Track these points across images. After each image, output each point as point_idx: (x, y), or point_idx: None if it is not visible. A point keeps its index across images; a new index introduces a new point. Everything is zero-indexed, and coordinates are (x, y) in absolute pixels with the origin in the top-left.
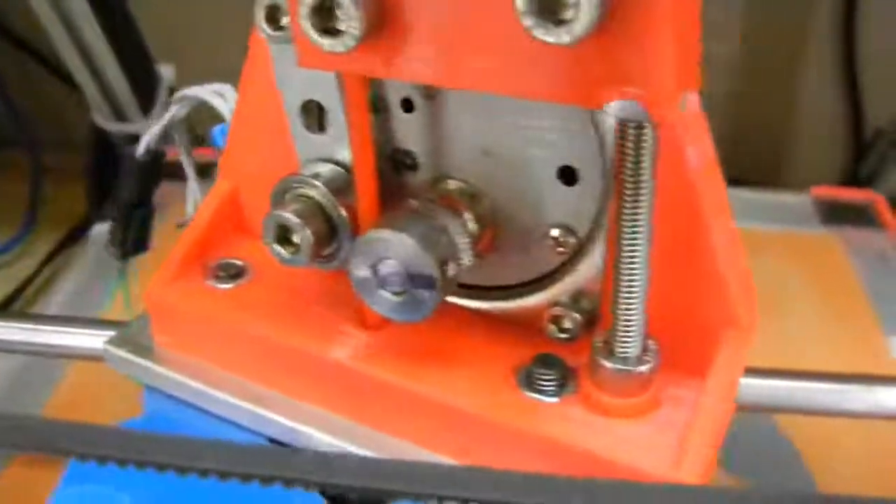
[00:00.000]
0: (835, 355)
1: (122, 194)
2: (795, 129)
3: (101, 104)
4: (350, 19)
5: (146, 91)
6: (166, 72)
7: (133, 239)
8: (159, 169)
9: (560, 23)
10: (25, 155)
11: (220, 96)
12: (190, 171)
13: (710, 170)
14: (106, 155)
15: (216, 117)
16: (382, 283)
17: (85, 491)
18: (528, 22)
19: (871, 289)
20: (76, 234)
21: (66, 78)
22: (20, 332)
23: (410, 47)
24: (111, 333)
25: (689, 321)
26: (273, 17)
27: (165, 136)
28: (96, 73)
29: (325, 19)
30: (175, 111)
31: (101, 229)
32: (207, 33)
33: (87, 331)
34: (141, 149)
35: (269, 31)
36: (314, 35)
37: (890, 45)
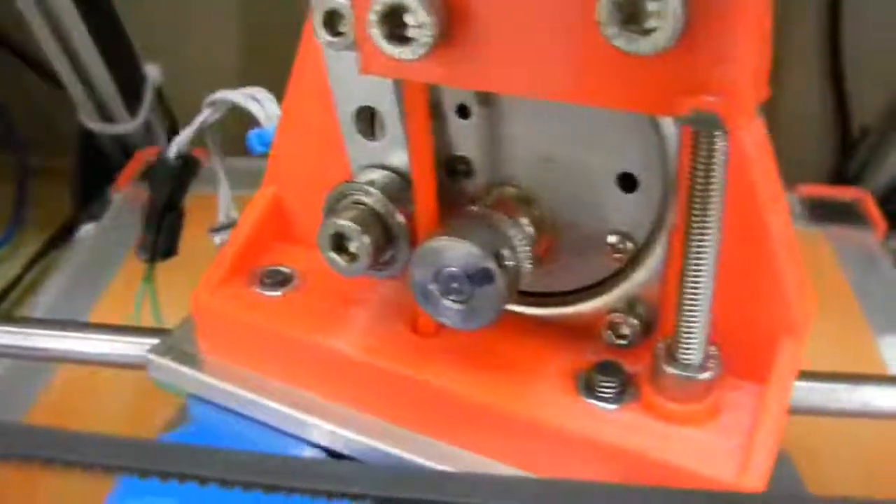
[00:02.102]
0: (822, 354)
1: (153, 198)
2: (782, 128)
3: (88, 104)
4: (422, 27)
5: (132, 91)
6: (152, 71)
7: (163, 243)
8: (190, 173)
9: (643, 32)
10: (11, 156)
11: (255, 100)
12: (221, 176)
13: (771, 176)
14: (92, 156)
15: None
16: (445, 291)
17: None
18: (609, 31)
19: (858, 287)
20: (62, 236)
21: (53, 78)
22: (49, 340)
23: (482, 56)
24: (152, 341)
25: (748, 326)
26: (331, 22)
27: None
28: (82, 73)
29: (394, 26)
30: (207, 115)
31: (87, 230)
32: (194, 33)
33: (125, 338)
34: (172, 152)
35: (326, 36)
36: (383, 42)
37: (875, 43)
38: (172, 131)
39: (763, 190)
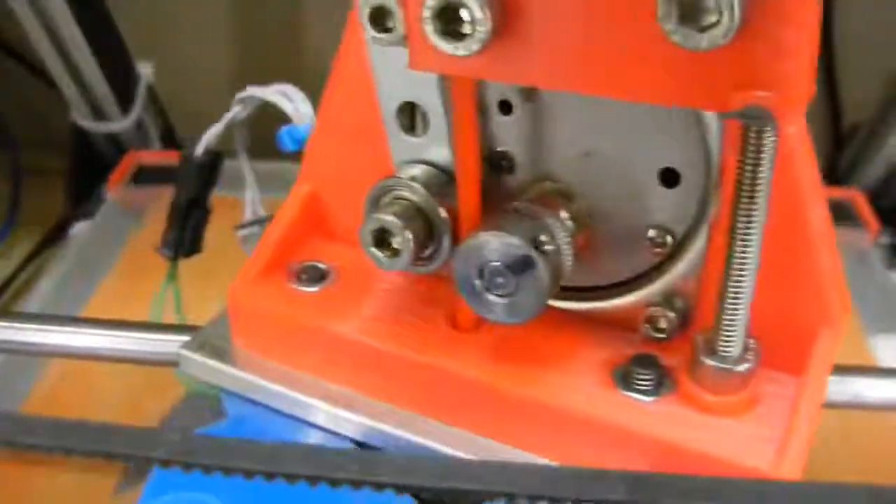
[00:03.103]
0: None
1: (180, 195)
2: None
3: (80, 103)
4: (476, 23)
5: (125, 89)
6: (145, 70)
7: (188, 240)
8: (217, 170)
9: (700, 28)
10: (5, 154)
11: (285, 96)
12: (248, 174)
13: (813, 169)
14: (86, 154)
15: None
16: (489, 286)
17: (176, 499)
18: (668, 27)
19: (850, 287)
20: (56, 234)
21: (46, 76)
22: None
23: (534, 52)
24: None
25: (787, 319)
26: (378, 18)
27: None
28: (74, 71)
29: (448, 22)
30: (236, 112)
31: (80, 228)
32: (187, 32)
33: (152, 335)
34: (199, 149)
35: (374, 32)
36: (436, 38)
37: (867, 40)
38: (166, 130)
39: (806, 183)
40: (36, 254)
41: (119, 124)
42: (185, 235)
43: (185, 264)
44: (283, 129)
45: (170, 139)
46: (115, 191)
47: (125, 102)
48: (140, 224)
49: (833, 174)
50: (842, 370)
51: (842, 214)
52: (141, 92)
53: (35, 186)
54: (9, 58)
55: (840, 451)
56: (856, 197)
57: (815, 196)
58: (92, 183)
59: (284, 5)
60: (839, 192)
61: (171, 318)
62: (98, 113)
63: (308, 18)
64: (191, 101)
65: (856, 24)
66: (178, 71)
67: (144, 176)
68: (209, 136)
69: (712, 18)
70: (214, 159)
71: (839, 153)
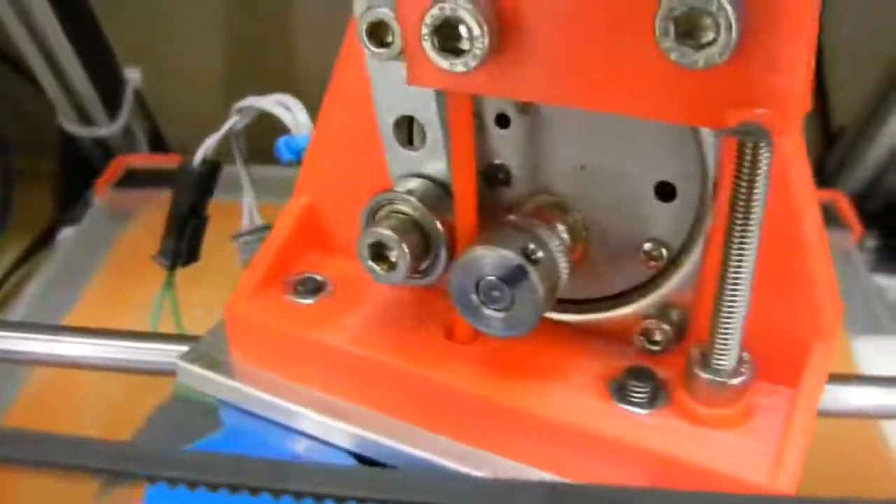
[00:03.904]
0: None
1: (177, 204)
2: None
3: (67, 107)
4: (474, 39)
5: (112, 94)
6: (132, 75)
7: (185, 250)
8: (215, 179)
9: (697, 47)
10: None
11: (285, 107)
12: (246, 183)
13: (807, 180)
14: (74, 159)
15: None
16: (486, 300)
17: None
18: (665, 44)
19: None
20: (45, 239)
21: (34, 80)
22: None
23: (532, 67)
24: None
25: (781, 332)
26: (376, 33)
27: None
28: (60, 76)
29: (445, 39)
30: (234, 122)
31: (67, 234)
32: (175, 37)
33: (149, 345)
34: (197, 158)
35: (372, 47)
36: (434, 54)
37: (856, 44)
38: (154, 135)
39: (800, 195)
40: (24, 259)
41: (106, 129)
42: (183, 245)
43: (180, 270)
44: (281, 140)
45: (158, 144)
46: (101, 195)
47: (112, 107)
48: (127, 227)
49: (821, 176)
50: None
51: (825, 216)
52: (128, 97)
53: (25, 189)
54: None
55: (819, 458)
56: (838, 198)
57: (809, 210)
58: (80, 188)
59: (275, 9)
60: (822, 194)
61: (167, 326)
62: (85, 118)
63: (299, 22)
64: (180, 106)
65: (846, 26)
66: (168, 75)
67: (133, 179)
68: (207, 146)
69: (709, 37)
70: (212, 168)
71: (828, 155)
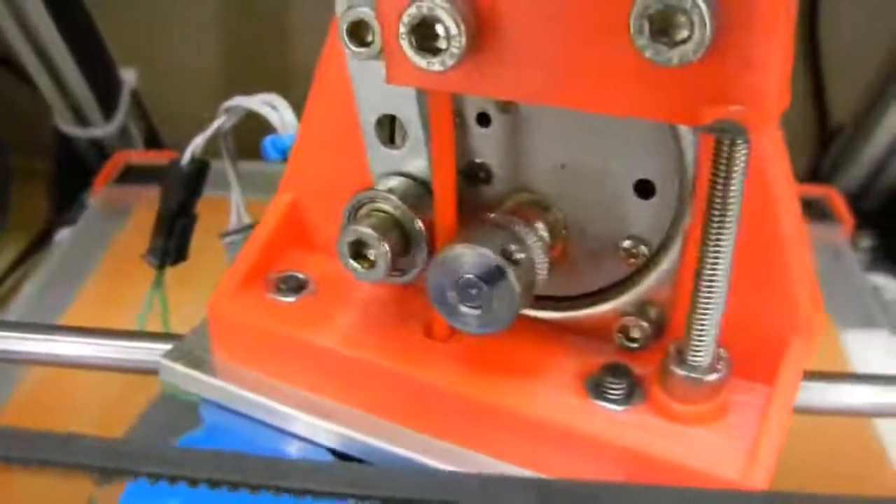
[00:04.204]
0: None
1: (166, 203)
2: None
3: (63, 108)
4: (452, 38)
5: (108, 95)
6: (128, 76)
7: (174, 248)
8: (204, 178)
9: (672, 44)
10: None
11: (271, 107)
12: (234, 182)
13: (786, 176)
14: (70, 159)
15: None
16: (463, 297)
17: None
18: (640, 42)
19: (824, 283)
20: (42, 240)
21: (31, 80)
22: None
23: (509, 66)
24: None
25: (757, 329)
26: (357, 32)
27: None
28: (56, 76)
29: (423, 38)
30: (222, 121)
31: (64, 234)
32: (171, 38)
33: (136, 343)
34: (186, 158)
35: (352, 46)
36: (412, 53)
37: (854, 42)
38: (150, 134)
39: (778, 191)
40: (22, 260)
41: (102, 130)
42: (171, 244)
43: (170, 269)
44: (267, 139)
45: (154, 143)
46: (98, 193)
47: (108, 108)
48: (123, 227)
49: (817, 174)
50: (814, 376)
51: (817, 212)
52: (124, 98)
53: (22, 189)
54: None
55: (803, 455)
56: (831, 194)
57: (788, 208)
58: (75, 188)
59: (271, 9)
60: (815, 190)
61: (155, 325)
62: (81, 118)
63: (295, 22)
64: (177, 106)
65: (842, 24)
66: (164, 75)
67: (131, 176)
68: (195, 146)
69: (684, 34)
70: (201, 167)
71: (825, 153)
